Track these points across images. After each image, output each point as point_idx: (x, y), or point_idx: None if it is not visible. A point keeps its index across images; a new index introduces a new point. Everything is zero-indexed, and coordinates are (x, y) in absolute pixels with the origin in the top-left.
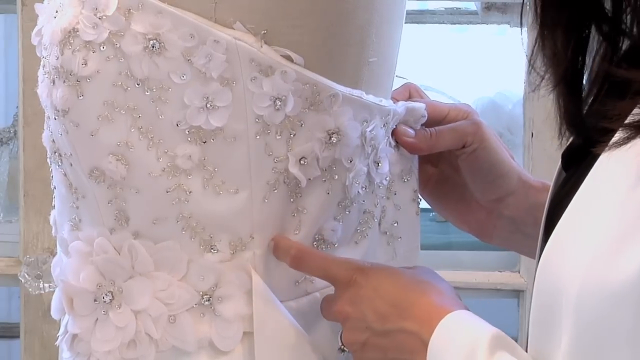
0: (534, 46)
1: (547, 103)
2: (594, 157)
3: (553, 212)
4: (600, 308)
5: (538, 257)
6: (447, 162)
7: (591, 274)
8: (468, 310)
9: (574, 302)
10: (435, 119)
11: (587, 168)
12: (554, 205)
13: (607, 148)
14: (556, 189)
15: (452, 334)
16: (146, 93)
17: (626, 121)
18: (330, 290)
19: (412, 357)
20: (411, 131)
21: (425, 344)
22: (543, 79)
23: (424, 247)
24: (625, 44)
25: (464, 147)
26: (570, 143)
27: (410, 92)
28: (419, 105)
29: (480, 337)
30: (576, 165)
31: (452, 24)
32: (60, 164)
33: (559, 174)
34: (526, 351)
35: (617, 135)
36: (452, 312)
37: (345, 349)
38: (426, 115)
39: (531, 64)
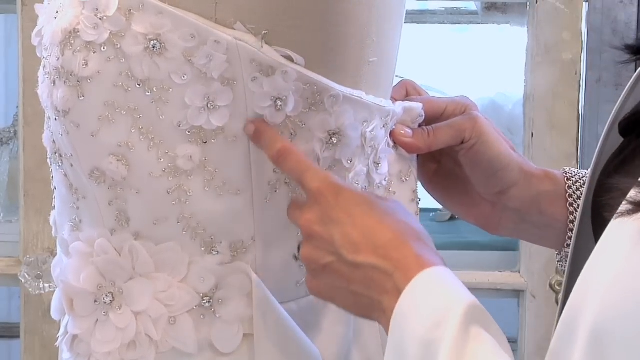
0: None
1: (547, 103)
2: None
3: (604, 182)
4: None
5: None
6: (449, 158)
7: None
8: (445, 265)
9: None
10: (434, 115)
11: None
12: (607, 170)
13: None
14: (607, 155)
15: (427, 291)
16: (147, 94)
17: None
18: None
19: (379, 297)
20: (409, 131)
21: (398, 290)
22: None
23: None
24: None
25: (462, 142)
26: (634, 111)
27: (407, 90)
28: (416, 105)
29: (455, 304)
30: (637, 134)
31: (452, 24)
32: (60, 164)
33: (607, 139)
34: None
35: None
36: (432, 268)
37: (298, 258)
38: (423, 114)
39: None
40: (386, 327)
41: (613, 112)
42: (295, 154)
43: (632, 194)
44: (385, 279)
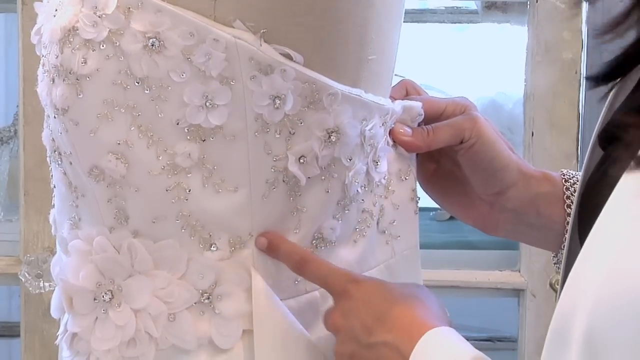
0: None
1: (547, 102)
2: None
3: (587, 195)
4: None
5: (567, 251)
6: (448, 158)
7: (608, 283)
8: (452, 328)
9: (588, 311)
10: (433, 115)
11: (628, 149)
12: (588, 188)
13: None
14: (591, 168)
15: (431, 352)
16: (146, 91)
17: None
18: None
19: None
20: (408, 130)
21: (405, 359)
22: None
23: (424, 246)
24: None
25: (461, 142)
26: (607, 122)
27: (407, 89)
28: (416, 104)
29: (460, 358)
30: (614, 143)
31: (452, 22)
32: (60, 162)
33: (593, 152)
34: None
35: None
36: (434, 329)
37: None
38: (423, 113)
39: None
40: None
41: (596, 128)
42: (313, 262)
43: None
44: (394, 352)
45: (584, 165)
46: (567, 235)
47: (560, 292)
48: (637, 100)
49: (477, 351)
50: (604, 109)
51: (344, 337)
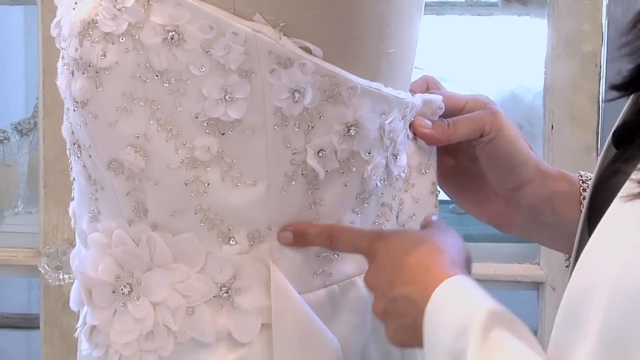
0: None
1: (567, 95)
2: None
3: (599, 189)
4: (633, 306)
5: (577, 244)
6: (465, 153)
7: (626, 271)
8: (468, 273)
9: (606, 298)
10: (453, 110)
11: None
12: (600, 182)
13: None
14: (604, 165)
15: (446, 304)
16: (165, 85)
17: None
18: (349, 283)
19: (414, 322)
20: (428, 122)
21: (422, 311)
22: None
23: None
24: None
25: (481, 136)
26: (623, 121)
27: (428, 85)
28: (436, 97)
29: (475, 310)
30: (628, 143)
31: (472, 15)
32: (79, 155)
33: (608, 151)
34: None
35: None
36: (449, 279)
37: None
38: (443, 107)
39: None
40: None
41: (614, 127)
42: (341, 233)
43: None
44: (411, 305)
45: (597, 163)
46: (578, 229)
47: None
48: None
49: (492, 302)
50: (625, 107)
51: (377, 295)
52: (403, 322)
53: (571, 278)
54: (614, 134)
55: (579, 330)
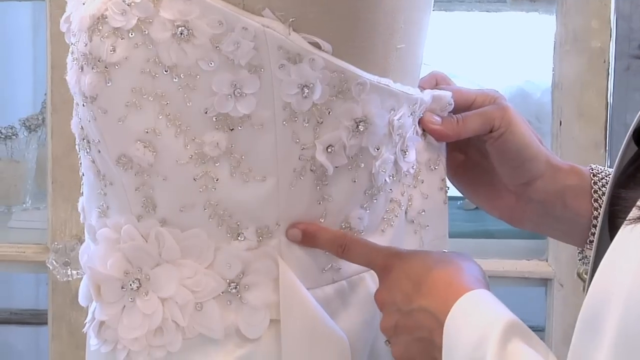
0: None
1: (576, 91)
2: None
3: (619, 186)
4: None
5: (597, 242)
6: (475, 148)
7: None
8: (486, 290)
9: (622, 304)
10: (463, 105)
11: None
12: (621, 181)
13: None
14: (623, 163)
15: (466, 317)
16: (174, 80)
17: None
18: (358, 279)
19: (430, 336)
20: (438, 118)
21: (441, 324)
22: None
23: (451, 236)
24: None
25: (491, 131)
26: None
27: (437, 81)
28: (446, 93)
29: (494, 322)
30: None
31: (480, 11)
32: (88, 150)
33: (627, 147)
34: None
35: None
36: (469, 292)
37: (387, 341)
38: (453, 103)
39: None
40: None
41: (634, 122)
42: (355, 243)
43: None
44: (429, 317)
45: (617, 160)
46: (597, 229)
47: (589, 284)
48: None
49: (512, 315)
50: None
51: (388, 310)
52: (417, 336)
53: (591, 283)
54: (635, 131)
55: (597, 336)
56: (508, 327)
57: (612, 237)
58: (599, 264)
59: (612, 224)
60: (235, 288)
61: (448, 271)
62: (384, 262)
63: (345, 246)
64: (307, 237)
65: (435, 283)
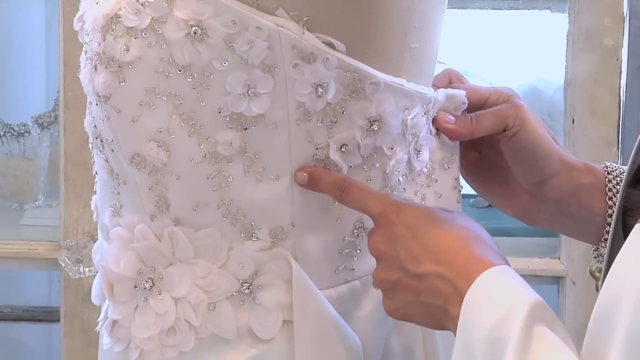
0: None
1: (588, 89)
2: None
3: (635, 186)
4: None
5: (611, 240)
6: (490, 147)
7: None
8: (508, 265)
9: (633, 304)
10: (476, 104)
11: None
12: (637, 178)
13: None
14: (638, 162)
15: (490, 291)
16: (188, 79)
17: None
18: (370, 278)
19: (445, 304)
20: (451, 118)
21: (461, 294)
22: None
23: None
24: None
25: (505, 130)
26: None
27: (450, 78)
28: (459, 92)
29: (519, 302)
30: None
31: (493, 9)
32: (101, 149)
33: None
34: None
35: None
36: (494, 267)
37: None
38: (467, 102)
39: None
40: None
41: None
42: (355, 187)
43: None
44: (447, 285)
45: (631, 158)
46: (611, 227)
47: (602, 283)
48: None
49: (536, 296)
50: None
51: (387, 264)
52: (424, 300)
53: (604, 284)
54: None
55: (609, 337)
56: (534, 309)
57: (625, 236)
58: (612, 263)
59: (624, 222)
60: (249, 288)
61: (466, 239)
62: (381, 210)
63: (344, 190)
64: (312, 180)
65: (455, 252)
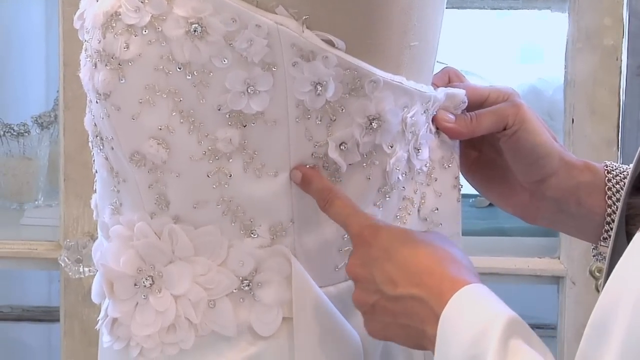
0: None
1: (588, 89)
2: None
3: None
4: None
5: (612, 242)
6: (489, 145)
7: None
8: (482, 284)
9: (630, 310)
10: (476, 102)
11: None
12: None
13: None
14: None
15: (465, 310)
16: (187, 77)
17: None
18: None
19: (422, 326)
20: (451, 116)
21: (436, 315)
22: None
23: (463, 233)
24: None
25: (504, 129)
26: None
27: (449, 77)
28: (459, 92)
29: (494, 318)
30: None
31: (493, 9)
32: (101, 147)
33: None
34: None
35: None
36: (467, 285)
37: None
38: (466, 101)
39: None
40: None
41: None
42: (340, 200)
43: None
44: (423, 307)
45: (635, 160)
46: (614, 229)
47: (604, 285)
48: None
49: (511, 312)
50: None
51: (365, 287)
52: (402, 322)
53: (604, 289)
54: None
55: (604, 342)
56: (509, 325)
57: (628, 238)
58: (614, 266)
59: (630, 224)
60: (248, 286)
61: (440, 260)
62: (358, 230)
63: (328, 201)
64: (304, 181)
65: (428, 273)
